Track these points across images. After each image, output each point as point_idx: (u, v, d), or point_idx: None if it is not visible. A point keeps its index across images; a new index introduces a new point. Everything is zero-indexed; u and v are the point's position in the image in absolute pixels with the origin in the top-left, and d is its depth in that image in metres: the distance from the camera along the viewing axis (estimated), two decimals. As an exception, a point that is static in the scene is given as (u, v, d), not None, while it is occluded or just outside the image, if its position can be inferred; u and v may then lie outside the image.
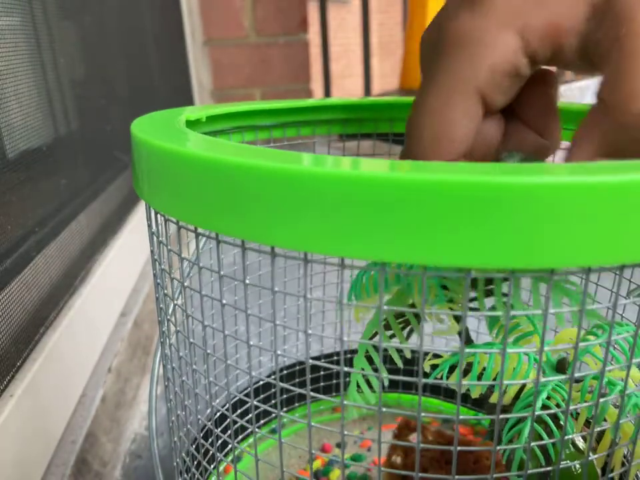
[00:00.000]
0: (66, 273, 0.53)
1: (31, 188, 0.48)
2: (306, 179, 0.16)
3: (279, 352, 0.20)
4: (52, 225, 0.52)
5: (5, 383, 0.39)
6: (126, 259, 0.69)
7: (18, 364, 0.41)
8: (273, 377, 0.46)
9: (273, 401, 0.46)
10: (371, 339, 0.27)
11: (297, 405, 0.49)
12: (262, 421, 0.47)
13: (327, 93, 1.79)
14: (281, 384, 0.21)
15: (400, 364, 0.25)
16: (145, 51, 0.97)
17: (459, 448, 0.19)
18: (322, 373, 0.49)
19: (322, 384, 0.49)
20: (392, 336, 0.27)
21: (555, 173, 0.15)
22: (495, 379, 0.24)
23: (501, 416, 0.19)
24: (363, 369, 0.25)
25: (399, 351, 0.27)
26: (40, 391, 0.41)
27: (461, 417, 0.19)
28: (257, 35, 1.39)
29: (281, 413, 0.21)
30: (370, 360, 0.26)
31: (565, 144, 0.37)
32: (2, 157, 0.43)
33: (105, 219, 0.67)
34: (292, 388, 0.21)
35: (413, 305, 0.27)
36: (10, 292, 0.41)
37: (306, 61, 1.43)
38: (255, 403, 0.22)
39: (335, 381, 0.49)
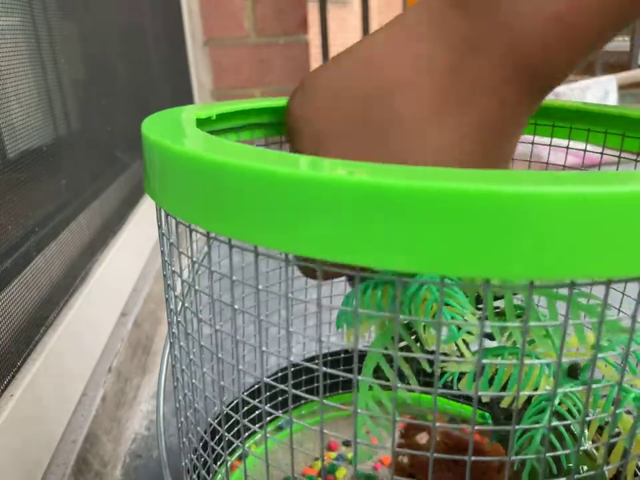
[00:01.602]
0: (66, 273, 0.53)
1: (31, 188, 0.48)
2: (324, 184, 0.16)
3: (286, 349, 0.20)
4: (52, 225, 0.51)
5: (6, 382, 0.39)
6: (126, 259, 0.69)
7: (18, 364, 0.41)
8: (280, 374, 0.47)
9: (280, 398, 0.46)
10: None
11: (302, 402, 0.49)
12: (268, 419, 0.47)
13: (327, 93, 1.79)
14: (281, 386, 0.21)
15: (415, 382, 0.24)
16: (145, 51, 0.97)
17: (473, 458, 0.18)
18: (342, 367, 0.49)
19: (329, 381, 0.49)
20: (404, 349, 0.26)
21: (574, 183, 0.14)
22: (506, 383, 0.24)
23: (517, 427, 0.18)
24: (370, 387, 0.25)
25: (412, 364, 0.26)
26: (40, 390, 0.41)
27: (474, 425, 0.18)
28: (257, 35, 1.39)
29: (280, 414, 0.21)
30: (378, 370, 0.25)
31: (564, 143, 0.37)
32: (2, 157, 0.43)
33: (105, 219, 0.67)
34: (299, 392, 0.21)
35: (410, 330, 0.27)
36: (10, 292, 0.40)
37: (306, 61, 1.42)
38: (259, 403, 0.22)
39: (341, 379, 0.49)
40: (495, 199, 0.14)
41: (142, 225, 0.77)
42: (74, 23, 0.65)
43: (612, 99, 1.40)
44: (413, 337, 0.26)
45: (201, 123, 0.30)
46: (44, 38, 0.54)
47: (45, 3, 0.55)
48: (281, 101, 0.33)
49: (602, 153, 0.34)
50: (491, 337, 0.26)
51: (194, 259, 0.22)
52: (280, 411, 0.46)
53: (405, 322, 0.27)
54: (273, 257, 0.19)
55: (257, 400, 0.45)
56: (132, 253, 0.72)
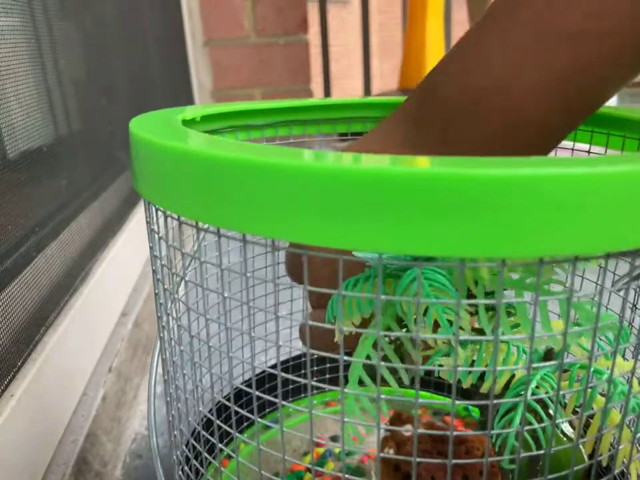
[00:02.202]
0: (66, 273, 0.53)
1: (31, 188, 0.48)
2: (317, 173, 0.16)
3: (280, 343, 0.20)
4: (52, 225, 0.52)
5: (6, 382, 0.39)
6: (126, 258, 0.69)
7: (18, 364, 0.41)
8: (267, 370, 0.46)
9: (264, 398, 0.46)
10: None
11: (290, 400, 0.49)
12: (244, 425, 0.47)
13: (327, 93, 1.79)
14: (256, 398, 0.21)
15: (396, 386, 0.24)
16: (145, 52, 0.97)
17: (455, 433, 0.19)
18: (315, 368, 0.49)
19: (315, 380, 0.49)
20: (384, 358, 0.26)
21: (543, 165, 0.15)
22: (484, 374, 0.24)
23: (495, 401, 0.19)
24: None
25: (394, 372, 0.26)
26: (41, 390, 0.41)
27: (454, 404, 0.19)
28: (257, 35, 1.39)
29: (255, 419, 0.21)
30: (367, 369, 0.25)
31: (564, 143, 0.37)
32: (2, 157, 0.43)
33: (105, 219, 0.67)
34: (269, 400, 0.21)
35: (402, 325, 0.26)
36: (10, 292, 0.41)
37: (306, 61, 1.43)
38: (236, 408, 0.22)
39: (327, 376, 0.49)
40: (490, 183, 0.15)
41: (142, 225, 0.77)
42: (74, 23, 0.65)
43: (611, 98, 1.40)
44: (404, 330, 0.26)
45: (200, 123, 0.31)
46: (44, 38, 0.54)
47: (45, 2, 0.55)
48: (273, 103, 0.34)
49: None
50: (480, 331, 0.26)
51: (204, 260, 0.22)
52: (268, 410, 0.47)
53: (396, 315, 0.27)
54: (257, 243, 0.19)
55: (237, 404, 0.45)
56: (132, 253, 0.72)
